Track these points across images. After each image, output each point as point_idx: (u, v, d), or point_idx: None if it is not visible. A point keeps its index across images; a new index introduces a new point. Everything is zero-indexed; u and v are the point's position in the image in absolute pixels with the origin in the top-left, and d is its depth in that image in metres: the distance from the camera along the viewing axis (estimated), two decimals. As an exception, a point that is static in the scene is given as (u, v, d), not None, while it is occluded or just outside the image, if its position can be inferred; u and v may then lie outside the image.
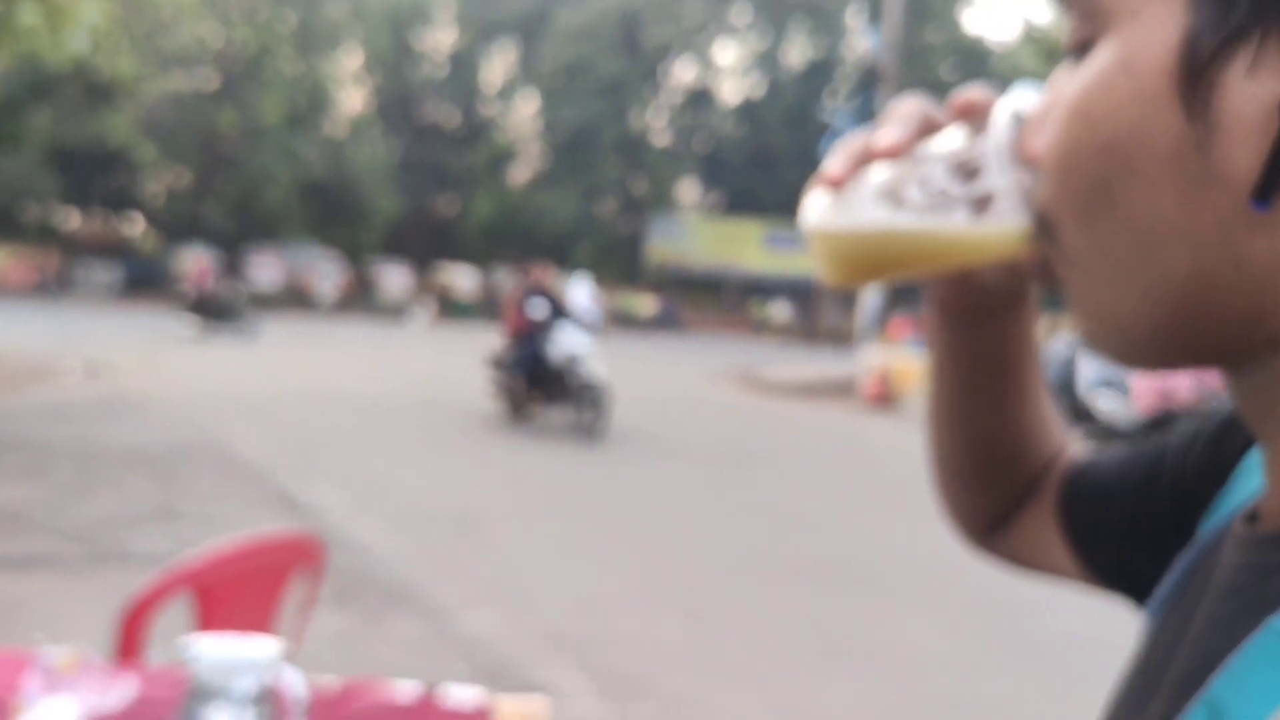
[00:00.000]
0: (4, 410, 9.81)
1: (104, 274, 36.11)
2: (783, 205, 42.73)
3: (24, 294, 31.18)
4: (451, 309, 35.37)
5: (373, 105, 44.31)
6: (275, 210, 34.75)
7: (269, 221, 35.47)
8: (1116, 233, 0.40)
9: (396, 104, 44.85)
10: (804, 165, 42.40)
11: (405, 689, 1.75)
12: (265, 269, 33.08)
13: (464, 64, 45.88)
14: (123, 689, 1.60)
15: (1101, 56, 0.40)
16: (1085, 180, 0.41)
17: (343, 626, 4.54)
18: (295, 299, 33.69)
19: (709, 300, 42.84)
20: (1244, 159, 0.36)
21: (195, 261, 30.53)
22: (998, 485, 0.74)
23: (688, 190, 49.03)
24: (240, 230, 35.45)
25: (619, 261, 47.96)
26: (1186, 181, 0.38)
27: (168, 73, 29.66)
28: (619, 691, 4.09)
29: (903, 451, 11.43)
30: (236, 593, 2.30)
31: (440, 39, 46.84)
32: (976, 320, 0.66)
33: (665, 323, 36.49)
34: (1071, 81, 0.42)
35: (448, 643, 4.51)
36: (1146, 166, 0.38)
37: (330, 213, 37.85)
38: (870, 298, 18.70)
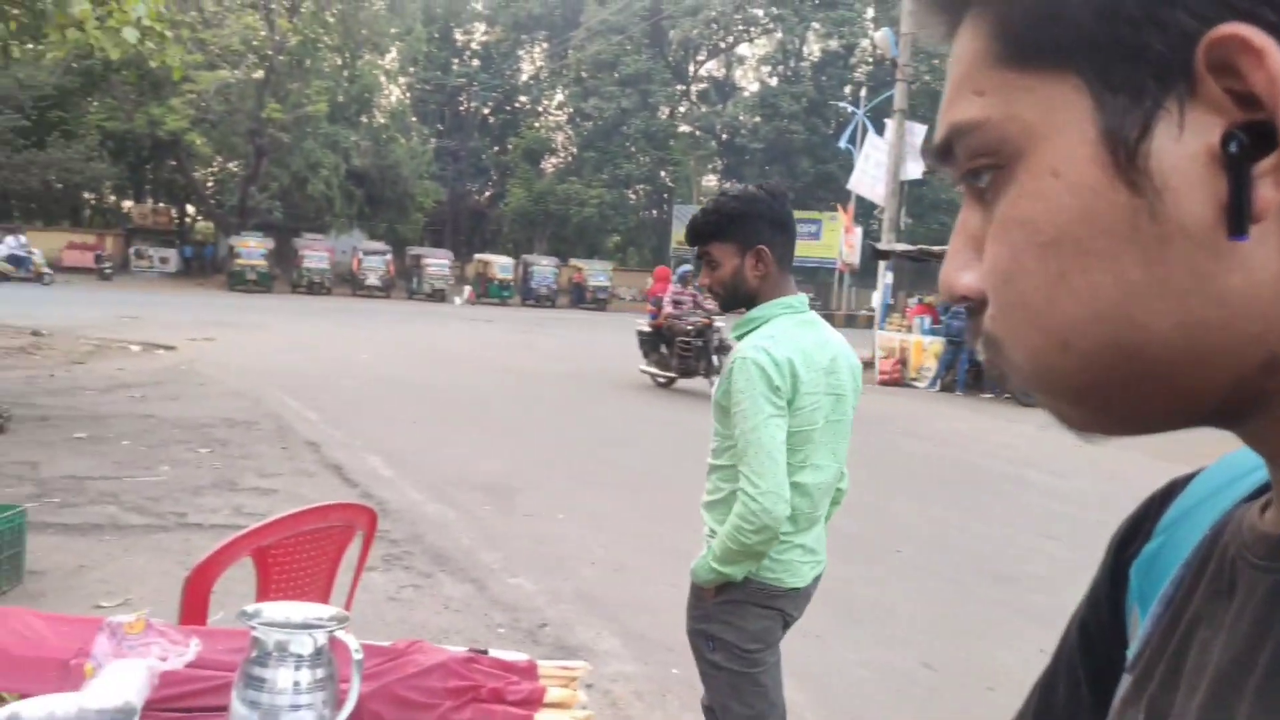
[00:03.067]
0: (69, 385, 9.92)
1: (160, 258, 36.49)
2: (800, 194, 42.44)
3: (85, 276, 31.56)
4: (489, 291, 35.46)
5: (411, 98, 44.34)
6: (321, 199, 34.89)
7: (315, 210, 35.64)
8: (1078, 323, 0.40)
9: (434, 97, 44.84)
10: (820, 155, 42.12)
11: (454, 650, 1.73)
12: (314, 255, 33.26)
13: (499, 58, 45.76)
14: (188, 650, 1.58)
15: (1021, 178, 0.41)
16: (1034, 280, 0.41)
17: (392, 588, 4.55)
18: (342, 283, 33.90)
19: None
20: (1197, 207, 0.37)
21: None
22: None
23: (711, 179, 48.72)
24: (289, 218, 35.65)
25: (647, 247, 47.85)
26: (1147, 244, 0.38)
27: (215, 65, 29.79)
28: (652, 655, 4.07)
29: (917, 429, 11.33)
30: (294, 557, 2.29)
31: (476, 34, 46.73)
32: None
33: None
34: (998, 206, 0.42)
35: (490, 604, 4.50)
36: (1101, 246, 0.39)
37: (373, 202, 37.97)
38: (884, 282, 18.51)
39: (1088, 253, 0.39)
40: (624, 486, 7.12)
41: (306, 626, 1.40)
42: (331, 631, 1.41)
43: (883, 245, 18.00)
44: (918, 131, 20.55)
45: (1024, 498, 7.73)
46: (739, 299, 2.25)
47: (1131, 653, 0.51)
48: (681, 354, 12.53)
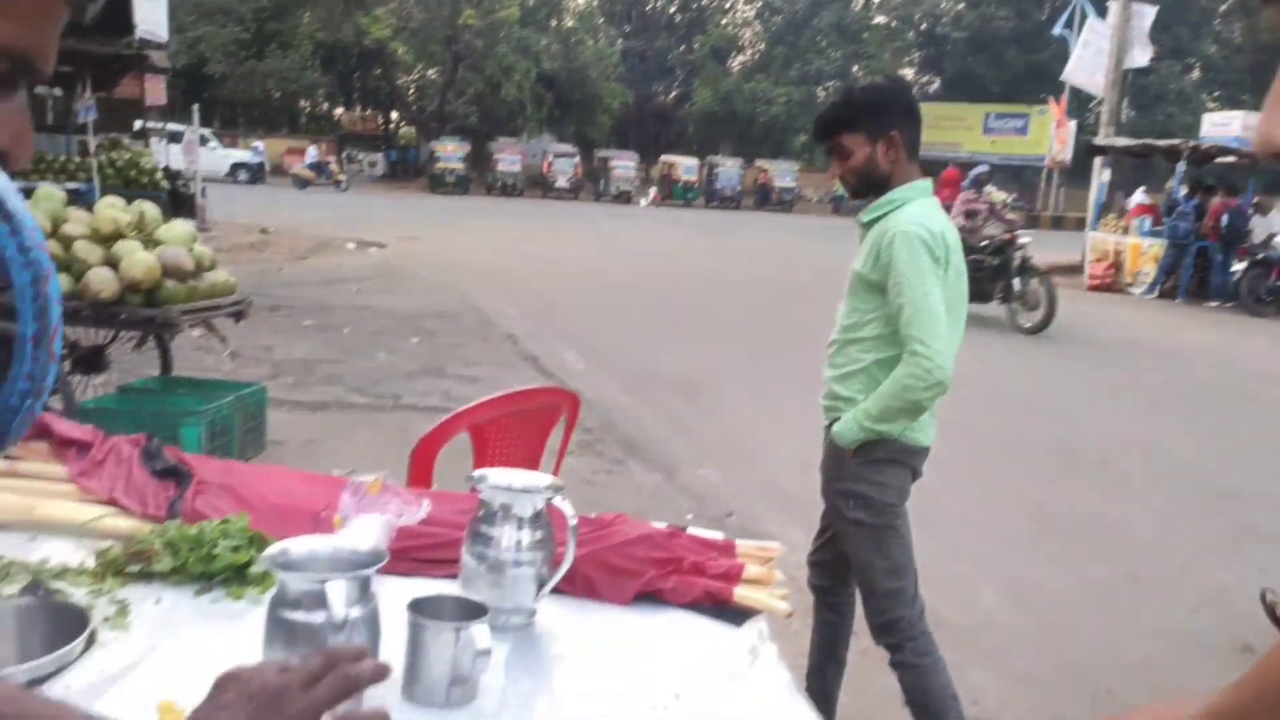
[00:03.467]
0: (294, 279, 10.78)
1: (369, 161, 38.56)
2: (1006, 87, 39.46)
3: (302, 179, 33.80)
4: (673, 193, 35.44)
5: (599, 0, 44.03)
6: (513, 103, 35.60)
7: (508, 114, 36.44)
8: None
9: (622, -3, 44.35)
10: (1029, 47, 38.85)
11: (658, 524, 1.80)
12: (507, 158, 34.18)
13: (685, -47, 44.52)
14: (420, 509, 1.72)
15: None
16: None
17: (586, 472, 4.77)
18: (533, 185, 34.78)
19: (926, 185, 40.63)
20: None
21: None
22: None
23: (907, 73, 46.02)
24: (483, 122, 36.68)
25: (835, 147, 46.01)
26: None
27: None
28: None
29: (1133, 337, 10.57)
30: (506, 435, 2.44)
31: (661, -72, 45.54)
32: None
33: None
34: None
35: (679, 492, 4.65)
36: None
37: (562, 105, 38.38)
38: (1100, 180, 17.09)
39: None
40: (814, 388, 7.07)
41: (527, 491, 1.49)
42: (549, 498, 1.50)
43: (1100, 140, 16.59)
44: (1146, 14, 18.56)
45: (1252, 412, 7.12)
46: (871, 185, 2.35)
47: None
48: (974, 275, 10.21)
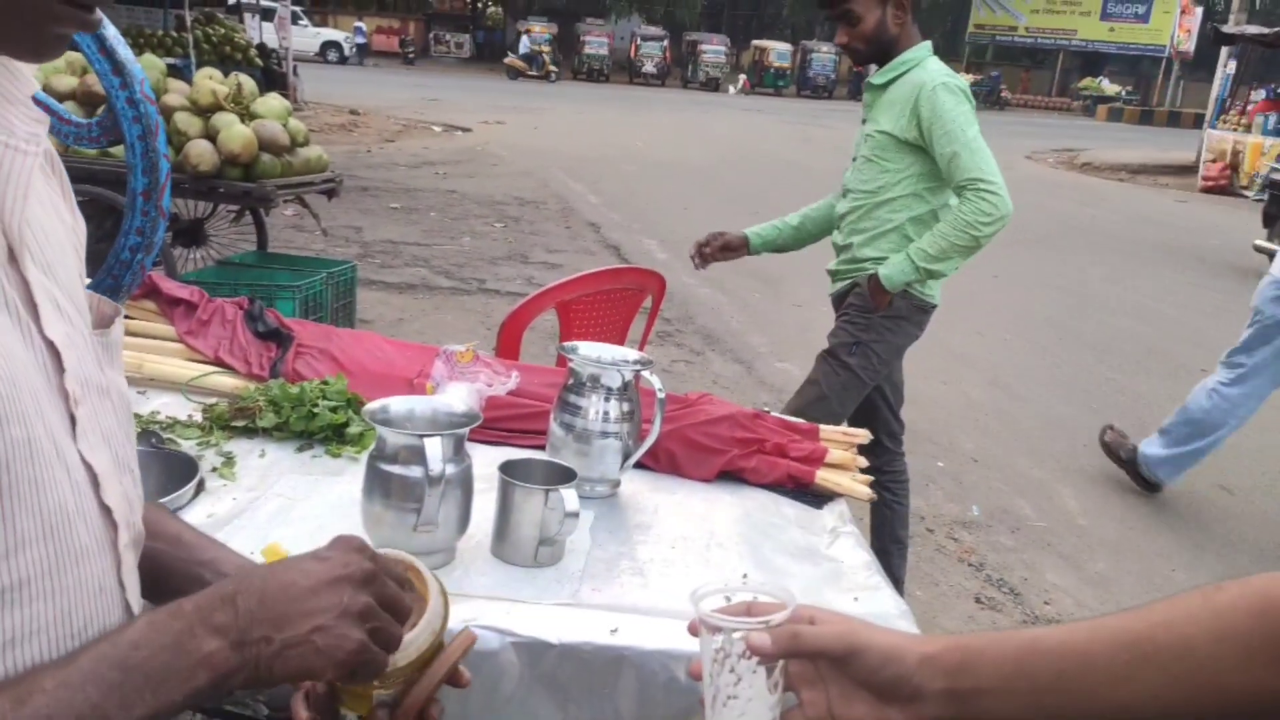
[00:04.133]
0: (383, 160, 10.88)
1: (455, 43, 38.16)
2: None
3: (390, 60, 33.71)
4: (764, 80, 34.37)
5: None
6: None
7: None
8: None
9: None
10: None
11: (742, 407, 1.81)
12: (594, 41, 33.46)
13: None
14: (509, 379, 1.76)
15: None
16: None
17: (665, 361, 4.81)
18: (619, 70, 34.08)
19: (1035, 76, 38.51)
20: None
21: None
22: None
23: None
24: (571, 3, 35.81)
25: (938, 32, 43.83)
26: None
27: None
28: (918, 447, 4.07)
29: (1239, 240, 10.03)
30: (592, 313, 2.47)
31: None
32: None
33: (985, 99, 33.21)
34: None
35: (757, 384, 4.66)
36: None
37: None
38: (1224, 72, 15.95)
39: None
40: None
41: (615, 364, 1.51)
42: (638, 370, 1.51)
43: (1229, 28, 15.40)
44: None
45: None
46: (879, 50, 2.37)
47: None
48: None
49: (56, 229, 0.65)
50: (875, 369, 2.48)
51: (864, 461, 1.74)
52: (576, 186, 10.10)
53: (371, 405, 1.22)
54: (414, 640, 0.71)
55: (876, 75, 2.42)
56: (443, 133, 14.38)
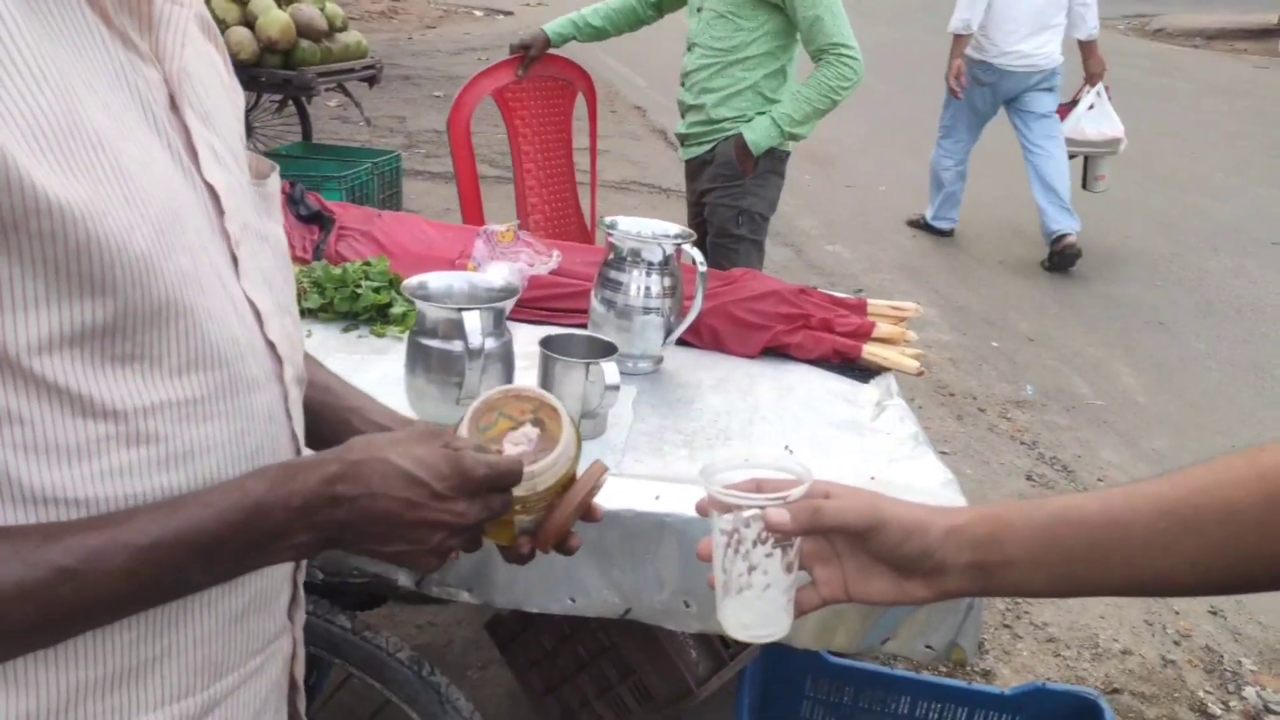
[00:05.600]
0: (425, 48, 10.68)
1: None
2: None
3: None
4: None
5: None
6: None
7: None
8: None
9: None
10: None
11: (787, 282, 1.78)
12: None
13: None
14: (550, 259, 1.75)
15: None
16: None
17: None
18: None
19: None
20: None
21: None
22: None
23: None
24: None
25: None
26: None
27: None
28: (972, 328, 4.01)
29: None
30: (529, 102, 2.80)
31: None
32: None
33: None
34: None
35: (807, 268, 4.59)
36: None
37: None
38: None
39: None
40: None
41: (656, 238, 1.49)
42: (679, 244, 1.49)
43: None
44: None
45: None
46: None
47: None
48: None
49: (215, 84, 0.68)
50: (762, 227, 2.58)
51: (913, 335, 1.71)
52: (622, 69, 9.84)
53: (410, 281, 1.22)
54: (551, 465, 0.73)
55: None
56: (484, 17, 14.05)
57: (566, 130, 2.96)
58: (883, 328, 1.69)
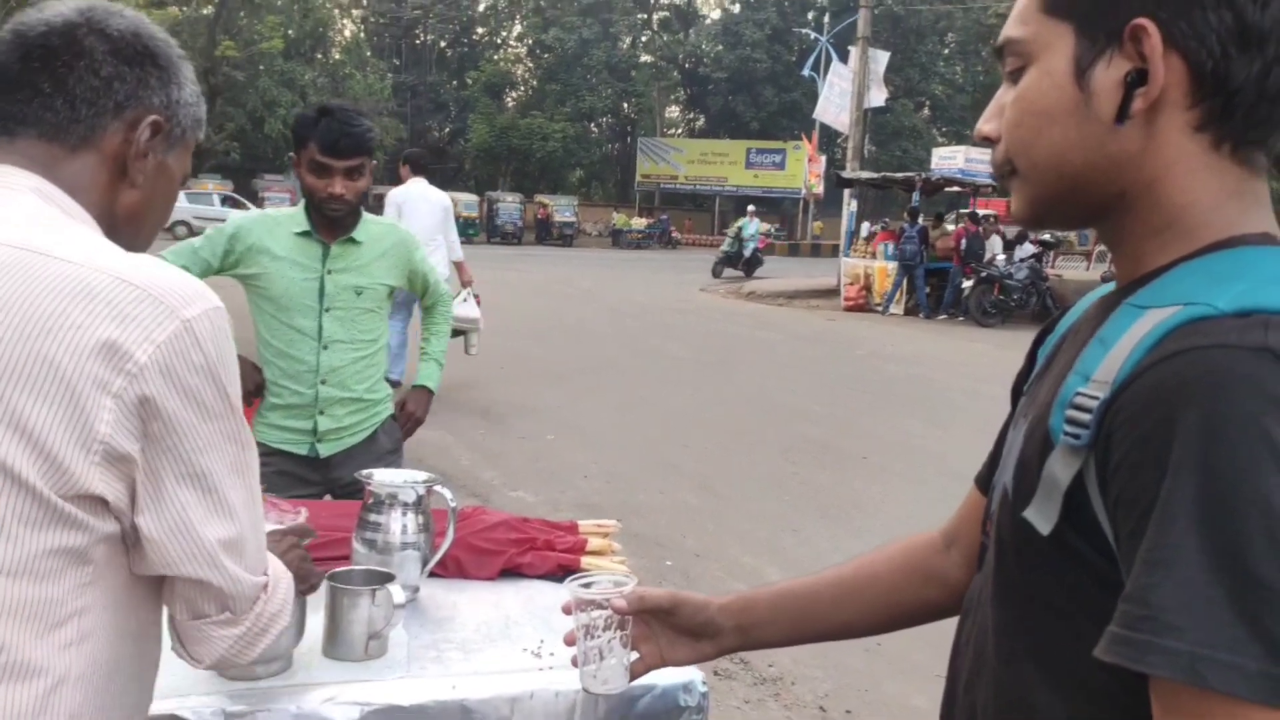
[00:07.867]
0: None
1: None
2: (764, 124, 42.39)
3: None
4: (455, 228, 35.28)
5: (366, 32, 43.50)
6: (278, 139, 34.39)
7: (273, 150, 35.15)
8: (1043, 154, 0.76)
9: (389, 30, 43.99)
10: (784, 84, 42.03)
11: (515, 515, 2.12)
12: (275, 196, 32.89)
13: (454, -11, 44.78)
14: (297, 515, 1.95)
15: (1030, 75, 0.76)
16: (1027, 131, 0.77)
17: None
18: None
19: (698, 217, 42.82)
20: (1107, 106, 0.72)
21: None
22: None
23: (674, 110, 48.48)
24: (246, 159, 35.17)
25: (610, 182, 47.71)
26: (1080, 121, 0.74)
27: (164, 2, 29.04)
28: (647, 551, 4.52)
29: (883, 350, 11.83)
30: None
31: (430, -35, 45.58)
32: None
33: (659, 239, 36.49)
34: (1014, 90, 0.78)
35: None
36: (1061, 118, 0.75)
37: (332, 139, 37.39)
38: (849, 209, 18.90)
39: (1054, 119, 0.74)
40: (607, 405, 7.55)
41: (410, 484, 1.78)
42: (429, 487, 1.79)
43: (847, 173, 18.34)
44: (881, 58, 20.71)
45: (981, 408, 8.25)
46: (361, 210, 2.68)
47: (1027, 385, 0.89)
48: None
49: None
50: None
51: (618, 546, 2.10)
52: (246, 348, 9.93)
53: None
54: None
55: (357, 231, 2.62)
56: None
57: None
58: (594, 542, 2.06)
